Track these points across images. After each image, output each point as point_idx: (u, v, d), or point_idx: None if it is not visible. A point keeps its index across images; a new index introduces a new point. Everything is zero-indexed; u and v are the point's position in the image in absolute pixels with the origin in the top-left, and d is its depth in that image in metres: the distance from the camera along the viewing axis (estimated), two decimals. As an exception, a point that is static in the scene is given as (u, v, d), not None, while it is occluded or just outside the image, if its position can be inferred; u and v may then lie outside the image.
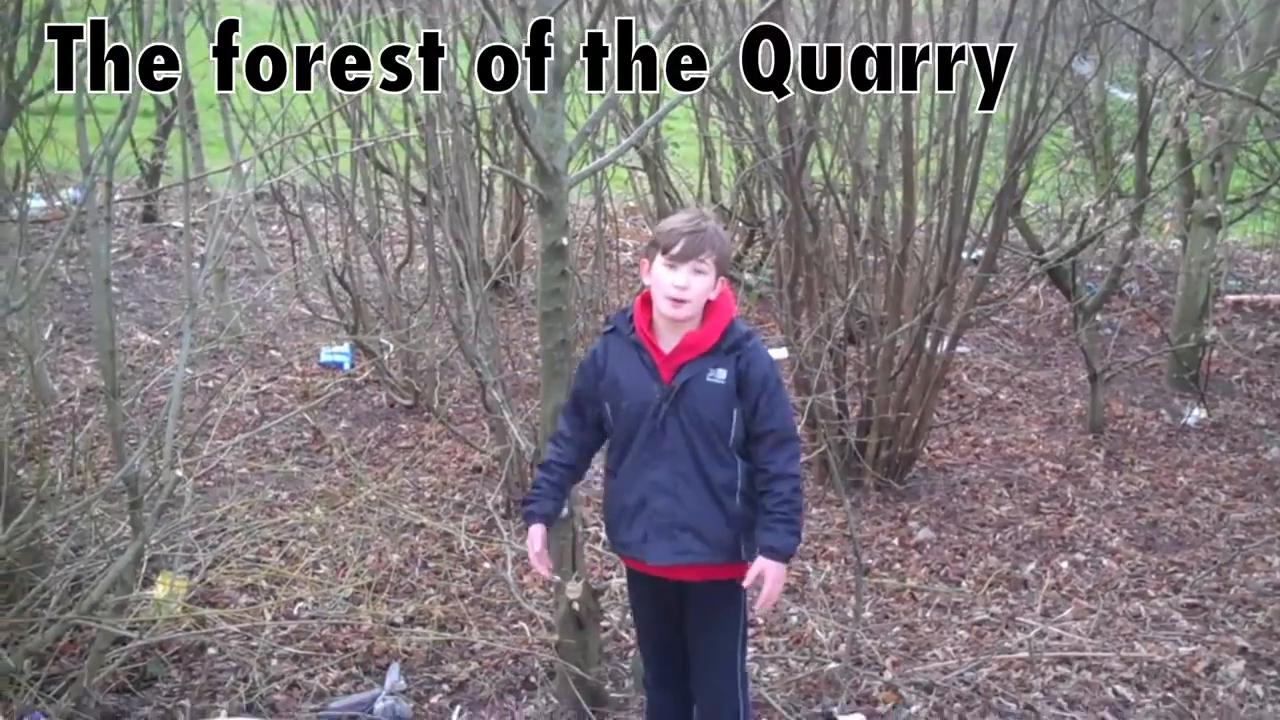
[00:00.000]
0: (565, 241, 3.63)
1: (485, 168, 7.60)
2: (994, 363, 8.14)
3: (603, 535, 5.36)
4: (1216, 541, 5.72)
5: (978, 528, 5.83)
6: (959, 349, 6.81)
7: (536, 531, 3.51)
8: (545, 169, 3.51)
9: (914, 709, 4.31)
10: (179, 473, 4.24)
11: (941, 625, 4.95)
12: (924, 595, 5.16)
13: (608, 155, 4.08)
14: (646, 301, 3.40)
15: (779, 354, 7.25)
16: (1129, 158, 7.52)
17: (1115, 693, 4.46)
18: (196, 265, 4.05)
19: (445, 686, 4.40)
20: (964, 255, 5.90)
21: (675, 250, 3.27)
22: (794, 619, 4.92)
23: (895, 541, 5.66)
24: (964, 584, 5.31)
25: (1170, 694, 4.44)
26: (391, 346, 7.08)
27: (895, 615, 5.01)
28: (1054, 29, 5.90)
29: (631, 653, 4.30)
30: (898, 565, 5.46)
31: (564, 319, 3.70)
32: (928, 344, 5.94)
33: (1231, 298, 9.49)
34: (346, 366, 7.56)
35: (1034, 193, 8.51)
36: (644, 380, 3.38)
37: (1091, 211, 6.92)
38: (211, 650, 4.49)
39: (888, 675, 4.50)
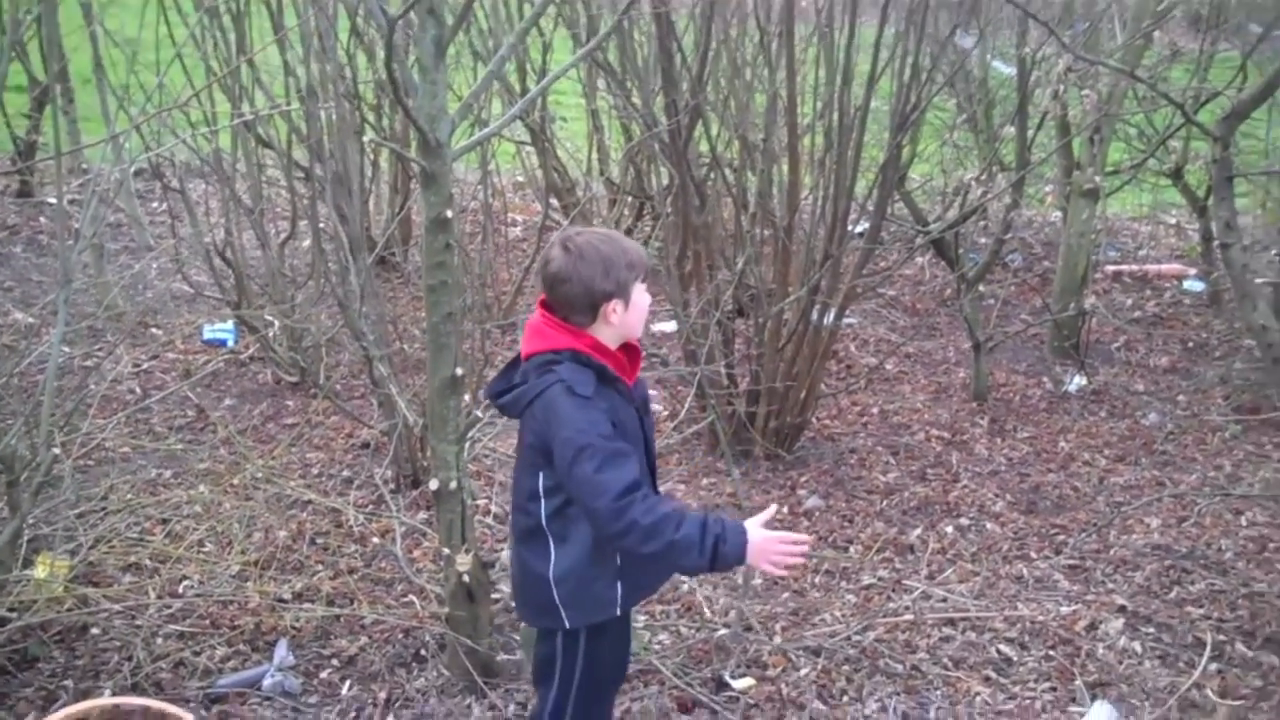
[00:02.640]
0: (450, 214, 3.60)
1: (368, 140, 7.52)
2: (880, 333, 8.24)
3: (493, 509, 5.38)
4: (1096, 504, 5.85)
5: (865, 495, 5.91)
6: (846, 320, 6.89)
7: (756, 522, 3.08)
8: (428, 141, 3.48)
9: (803, 672, 4.37)
10: (57, 450, 4.15)
11: (830, 590, 5.01)
12: (813, 561, 5.21)
13: (492, 127, 4.05)
14: (597, 348, 3.03)
15: (668, 327, 7.29)
16: (1010, 131, 7.65)
17: (999, 652, 4.55)
18: (71, 242, 3.96)
19: (334, 661, 4.36)
20: (849, 228, 5.96)
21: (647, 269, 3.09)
22: (685, 587, 4.94)
23: (785, 510, 5.71)
24: (852, 550, 5.37)
25: (1052, 652, 4.55)
26: (276, 323, 6.98)
27: (784, 581, 5.06)
28: (935, 3, 5.96)
29: (523, 625, 4.30)
30: (787, 532, 5.49)
31: (450, 291, 3.67)
32: (815, 315, 5.99)
33: (1111, 268, 9.71)
34: (230, 343, 7.44)
35: (918, 166, 8.61)
36: (629, 410, 3.08)
37: (973, 184, 7.02)
38: (95, 630, 4.40)
39: (777, 640, 4.55)
